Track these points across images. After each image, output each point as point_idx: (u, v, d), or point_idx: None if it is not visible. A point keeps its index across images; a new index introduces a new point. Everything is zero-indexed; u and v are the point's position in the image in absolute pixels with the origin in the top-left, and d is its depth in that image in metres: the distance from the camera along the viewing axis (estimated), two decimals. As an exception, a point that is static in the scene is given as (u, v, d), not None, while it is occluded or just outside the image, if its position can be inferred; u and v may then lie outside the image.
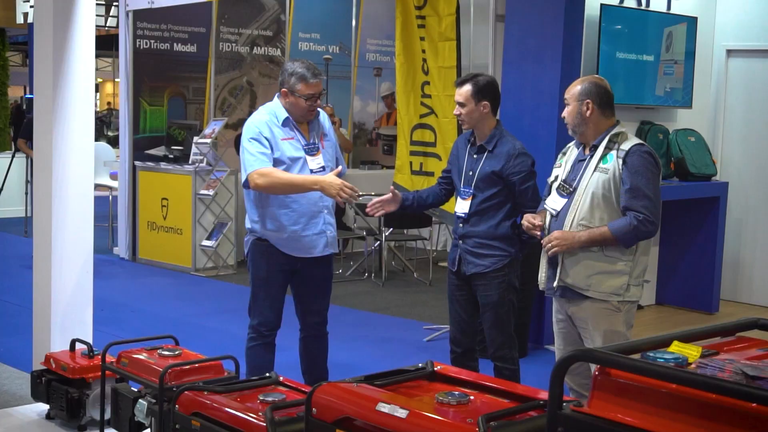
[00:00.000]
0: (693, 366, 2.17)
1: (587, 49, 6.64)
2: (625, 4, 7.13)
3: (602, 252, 3.86)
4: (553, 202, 4.01)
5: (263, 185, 4.36)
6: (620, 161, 3.83)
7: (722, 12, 8.02)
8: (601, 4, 6.82)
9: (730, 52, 8.07)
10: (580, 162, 3.98)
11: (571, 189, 3.94)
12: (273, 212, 4.48)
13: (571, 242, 3.86)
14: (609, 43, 6.92)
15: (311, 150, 4.51)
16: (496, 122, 4.57)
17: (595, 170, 3.88)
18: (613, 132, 3.92)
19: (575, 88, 3.99)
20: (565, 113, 4.01)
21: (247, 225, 4.61)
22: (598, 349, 2.18)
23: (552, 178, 4.11)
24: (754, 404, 1.87)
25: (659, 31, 7.38)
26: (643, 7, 7.31)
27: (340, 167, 4.52)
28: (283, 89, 4.49)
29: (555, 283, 3.97)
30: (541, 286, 4.14)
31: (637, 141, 3.92)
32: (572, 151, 4.08)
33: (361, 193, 4.44)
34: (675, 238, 7.79)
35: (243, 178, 4.43)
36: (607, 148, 3.89)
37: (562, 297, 3.99)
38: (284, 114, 4.48)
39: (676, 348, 2.24)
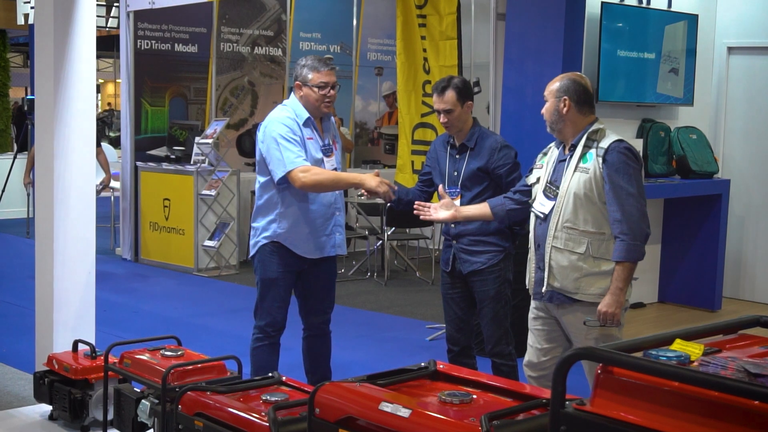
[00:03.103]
0: (695, 364, 2.17)
1: (588, 47, 6.64)
2: (625, 2, 7.13)
3: (589, 254, 3.81)
4: (541, 205, 3.96)
5: (310, 182, 4.33)
6: (600, 160, 3.78)
7: (723, 9, 8.02)
8: (602, 2, 6.82)
9: (731, 50, 8.07)
10: (561, 162, 3.94)
11: (557, 191, 3.88)
12: (288, 213, 4.47)
13: (616, 302, 3.80)
14: (610, 41, 6.92)
15: (327, 151, 4.53)
16: (473, 120, 4.60)
17: (575, 170, 3.83)
18: (590, 129, 3.87)
19: (553, 85, 3.95)
20: (543, 110, 3.97)
21: (257, 225, 4.57)
22: (600, 348, 2.17)
23: (533, 180, 4.06)
24: (757, 402, 1.87)
25: (660, 28, 7.37)
26: (644, 4, 7.30)
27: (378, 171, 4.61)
28: (297, 82, 4.51)
29: (543, 288, 3.93)
30: (531, 291, 4.09)
31: (615, 138, 3.86)
32: (553, 152, 4.03)
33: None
34: (677, 235, 7.78)
35: (279, 175, 4.36)
36: (586, 147, 3.84)
37: (550, 302, 3.95)
38: (305, 114, 4.47)
39: (679, 346, 2.24)
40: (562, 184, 3.86)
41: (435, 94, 4.54)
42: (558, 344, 4.03)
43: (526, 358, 4.13)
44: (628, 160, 3.79)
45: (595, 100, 6.78)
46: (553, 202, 3.89)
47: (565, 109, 3.88)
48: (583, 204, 3.80)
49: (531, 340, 4.11)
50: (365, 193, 4.52)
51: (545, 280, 3.91)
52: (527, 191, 4.13)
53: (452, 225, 4.55)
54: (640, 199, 3.79)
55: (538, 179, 4.02)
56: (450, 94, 4.47)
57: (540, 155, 4.11)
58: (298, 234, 4.48)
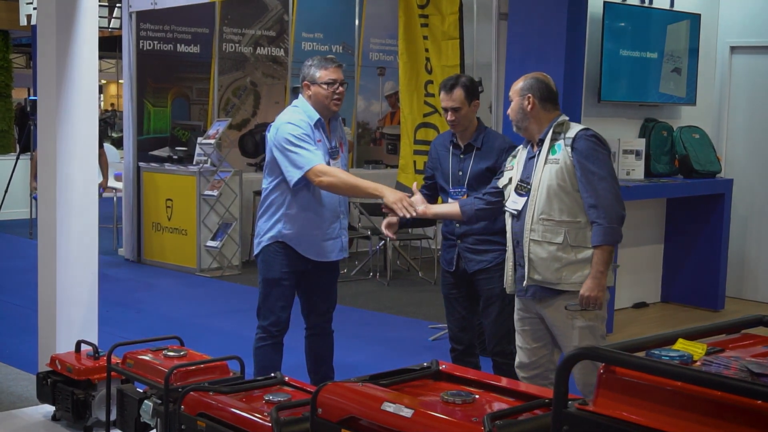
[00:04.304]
0: (698, 363, 2.17)
1: (590, 46, 6.64)
2: (628, 2, 7.12)
3: (568, 243, 3.87)
4: (513, 203, 4.04)
5: (327, 182, 4.31)
6: (569, 149, 3.87)
7: (725, 8, 8.01)
8: (604, 2, 6.81)
9: (733, 49, 8.06)
10: (530, 159, 4.02)
11: (529, 187, 3.96)
12: (295, 215, 4.46)
13: (598, 285, 3.84)
14: (612, 41, 6.91)
15: (333, 153, 4.51)
16: (478, 119, 4.61)
17: (545, 163, 3.91)
18: (556, 122, 3.96)
19: (517, 85, 4.06)
20: (509, 110, 4.09)
21: (262, 225, 4.56)
22: (603, 347, 2.18)
23: (505, 181, 4.13)
24: (759, 401, 1.87)
25: (662, 28, 7.37)
26: (646, 4, 7.30)
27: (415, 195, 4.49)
28: (305, 82, 4.49)
29: (525, 283, 3.97)
30: (508, 290, 4.15)
31: (581, 127, 3.96)
32: (521, 153, 4.12)
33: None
34: (680, 235, 7.78)
35: (297, 176, 4.32)
36: (553, 140, 3.93)
37: (533, 298, 3.99)
38: (316, 115, 4.45)
39: (681, 345, 2.24)
40: (534, 178, 3.93)
41: (443, 91, 4.54)
42: (545, 342, 4.08)
43: (517, 359, 4.18)
44: (596, 146, 3.89)
45: (597, 100, 6.85)
46: (525, 198, 3.96)
47: (529, 106, 3.98)
48: (557, 194, 3.87)
49: (519, 341, 4.17)
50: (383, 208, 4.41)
51: (526, 274, 3.96)
52: (497, 192, 4.22)
53: (457, 225, 4.56)
54: (612, 182, 3.87)
55: (510, 179, 4.10)
56: (458, 92, 4.49)
57: (509, 158, 4.21)
58: (304, 236, 4.48)
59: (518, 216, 4.00)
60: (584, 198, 3.84)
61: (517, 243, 4.02)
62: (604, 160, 3.88)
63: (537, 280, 3.93)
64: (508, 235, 4.09)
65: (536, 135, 4.00)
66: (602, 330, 3.98)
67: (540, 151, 3.95)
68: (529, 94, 3.98)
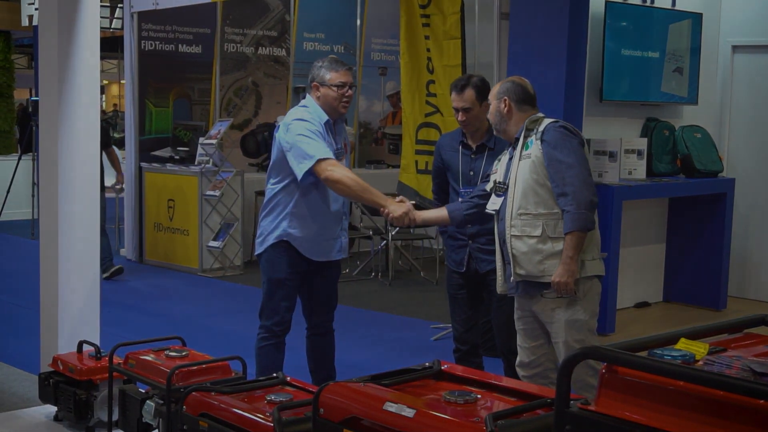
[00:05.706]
0: (700, 363, 2.16)
1: (592, 46, 6.64)
2: (629, 1, 7.12)
3: (547, 235, 3.91)
4: (493, 204, 4.11)
5: (334, 178, 4.27)
6: (539, 142, 3.93)
7: (727, 8, 8.01)
8: (606, 1, 6.81)
9: (735, 48, 8.05)
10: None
11: (505, 187, 4.03)
12: (299, 215, 4.45)
13: (567, 271, 3.86)
14: (614, 40, 6.91)
15: (339, 155, 4.51)
16: (488, 119, 4.62)
17: (520, 159, 3.98)
18: (529, 119, 4.02)
19: (496, 88, 4.15)
20: (488, 114, 4.18)
21: (265, 224, 4.55)
22: (605, 347, 2.17)
23: (491, 185, 4.18)
24: (762, 401, 1.87)
25: (664, 27, 7.36)
26: (648, 3, 7.30)
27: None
28: (314, 83, 4.48)
29: (512, 279, 4.02)
30: (499, 290, 4.19)
31: (551, 120, 4.02)
32: (504, 156, 4.18)
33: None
34: (682, 235, 7.77)
35: (306, 167, 4.28)
36: (527, 136, 3.99)
37: (525, 293, 4.04)
38: (325, 116, 4.45)
39: (684, 345, 2.23)
40: (510, 176, 4.00)
41: (454, 92, 4.55)
42: (543, 341, 4.12)
43: (518, 359, 4.21)
44: (565, 135, 3.94)
45: (599, 100, 6.85)
46: (503, 198, 4.03)
47: (505, 108, 4.07)
48: (532, 188, 3.93)
49: (519, 340, 4.21)
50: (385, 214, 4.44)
51: (512, 271, 4.00)
52: (484, 195, 4.26)
53: (469, 225, 4.56)
54: (581, 169, 3.91)
55: (495, 182, 4.16)
56: (469, 93, 4.50)
57: (495, 162, 4.26)
58: (307, 236, 4.48)
59: (499, 215, 4.07)
60: (553, 188, 3.90)
61: (503, 242, 4.07)
62: (573, 148, 3.92)
63: (522, 275, 3.98)
64: (495, 235, 4.15)
65: (514, 136, 4.07)
66: (591, 325, 4.01)
67: (515, 150, 4.03)
68: (505, 97, 4.07)
